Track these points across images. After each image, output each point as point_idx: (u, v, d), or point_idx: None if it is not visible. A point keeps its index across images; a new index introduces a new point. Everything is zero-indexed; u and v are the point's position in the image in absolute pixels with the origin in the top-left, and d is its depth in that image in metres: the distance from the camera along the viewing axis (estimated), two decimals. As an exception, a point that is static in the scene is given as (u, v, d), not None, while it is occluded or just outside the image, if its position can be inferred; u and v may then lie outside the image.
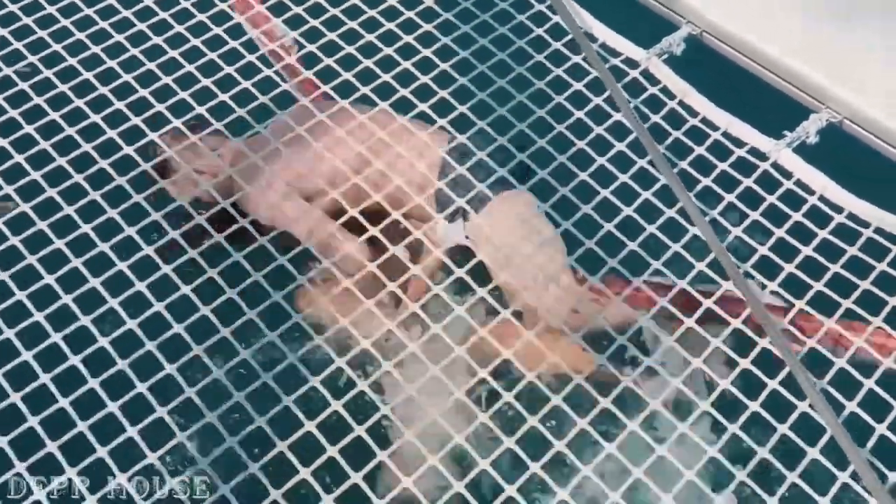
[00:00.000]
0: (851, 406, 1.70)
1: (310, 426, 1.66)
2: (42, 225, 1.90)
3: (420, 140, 2.21)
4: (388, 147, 2.18)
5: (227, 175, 2.18)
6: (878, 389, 1.73)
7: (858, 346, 1.81)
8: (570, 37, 2.25)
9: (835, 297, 1.87)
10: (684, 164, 2.06)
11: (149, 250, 1.88)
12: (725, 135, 2.11)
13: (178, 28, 2.28)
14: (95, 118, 2.08)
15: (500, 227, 2.21)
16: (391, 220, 2.02)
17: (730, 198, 2.01)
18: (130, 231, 1.90)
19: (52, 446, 1.60)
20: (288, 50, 2.27)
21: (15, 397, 1.65)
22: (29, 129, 2.06)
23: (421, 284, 1.97)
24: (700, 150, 2.08)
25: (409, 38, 2.25)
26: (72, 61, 2.19)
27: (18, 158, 2.00)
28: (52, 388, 1.68)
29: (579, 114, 2.13)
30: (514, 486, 1.60)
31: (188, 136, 2.11)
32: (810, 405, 1.69)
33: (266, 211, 2.21)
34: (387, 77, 2.20)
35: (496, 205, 2.21)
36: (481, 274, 1.98)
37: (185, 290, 1.82)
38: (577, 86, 2.18)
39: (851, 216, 1.99)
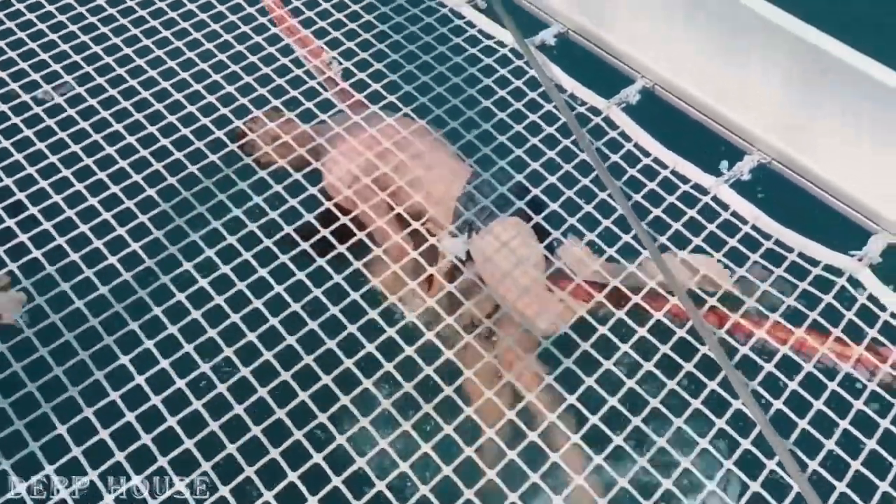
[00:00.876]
0: (778, 404, 1.72)
1: (388, 366, 1.74)
2: (151, 192, 2.01)
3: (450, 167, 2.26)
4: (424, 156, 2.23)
5: (297, 154, 2.18)
6: (801, 391, 1.75)
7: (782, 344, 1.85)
8: (542, 88, 2.27)
9: (763, 310, 1.89)
10: (638, 197, 2.07)
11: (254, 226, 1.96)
12: (673, 172, 2.13)
13: (257, 38, 2.37)
14: (191, 108, 2.17)
15: (495, 247, 2.16)
16: (427, 217, 2.13)
17: (676, 226, 2.02)
18: (222, 196, 2.01)
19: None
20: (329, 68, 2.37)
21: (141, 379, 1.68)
22: (138, 115, 2.16)
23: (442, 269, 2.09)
24: (652, 185, 2.09)
25: (408, 88, 2.27)
26: (171, 63, 2.30)
27: (130, 140, 2.10)
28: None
29: (551, 153, 2.15)
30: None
31: (266, 122, 2.21)
32: (743, 403, 1.71)
33: (335, 182, 2.21)
34: (388, 121, 2.21)
35: (494, 228, 2.17)
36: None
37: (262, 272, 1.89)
38: (549, 129, 2.19)
39: (778, 242, 2.01)
